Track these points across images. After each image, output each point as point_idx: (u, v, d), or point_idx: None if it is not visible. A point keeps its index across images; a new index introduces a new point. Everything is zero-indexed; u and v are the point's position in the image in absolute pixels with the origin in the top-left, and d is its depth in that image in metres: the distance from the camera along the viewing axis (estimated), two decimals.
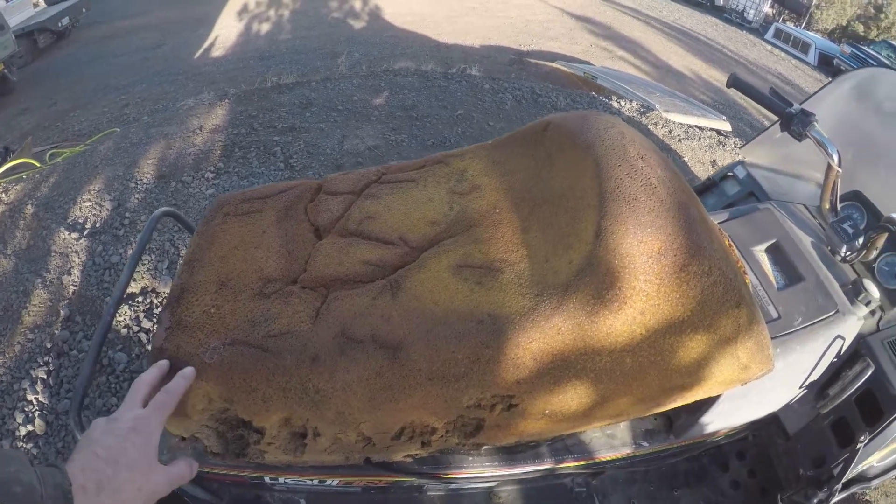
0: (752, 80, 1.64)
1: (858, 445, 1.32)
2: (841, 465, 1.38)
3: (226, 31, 10.04)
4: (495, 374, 0.94)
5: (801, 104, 1.68)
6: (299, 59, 7.81)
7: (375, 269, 1.10)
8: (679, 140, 4.91)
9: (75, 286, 3.01)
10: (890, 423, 1.36)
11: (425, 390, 0.95)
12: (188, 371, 0.90)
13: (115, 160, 4.00)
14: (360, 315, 0.99)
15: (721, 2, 18.50)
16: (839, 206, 1.54)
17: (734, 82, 1.70)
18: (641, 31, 11.67)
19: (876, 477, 1.60)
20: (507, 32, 9.91)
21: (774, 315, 1.33)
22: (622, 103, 5.46)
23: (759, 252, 1.50)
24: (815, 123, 1.45)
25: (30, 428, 2.42)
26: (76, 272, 3.10)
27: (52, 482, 0.59)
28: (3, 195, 3.89)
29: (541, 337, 0.94)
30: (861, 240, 1.46)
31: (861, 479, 1.58)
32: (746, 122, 7.84)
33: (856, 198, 1.59)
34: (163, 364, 0.91)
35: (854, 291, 1.38)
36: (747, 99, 1.71)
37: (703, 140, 5.07)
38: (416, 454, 1.09)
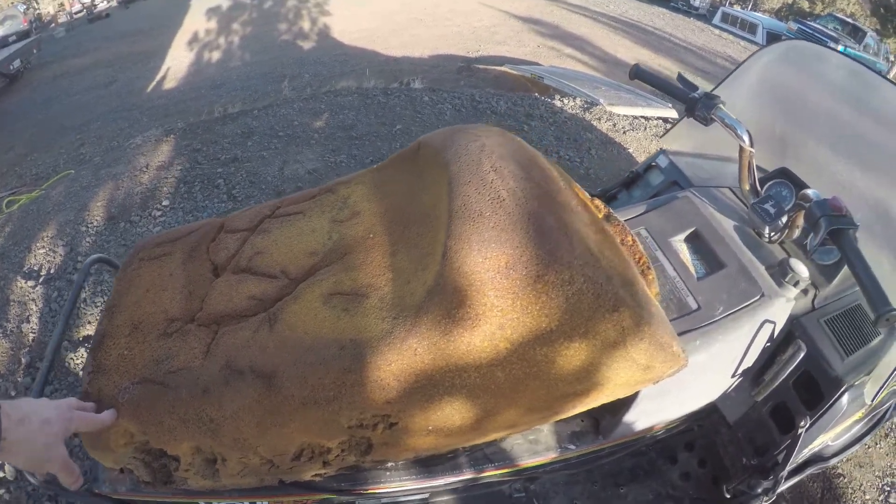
0: (653, 70, 1.62)
1: (799, 431, 1.25)
2: (784, 453, 1.31)
3: (177, 63, 10.10)
4: (363, 396, 0.96)
5: (714, 88, 1.74)
6: (249, 84, 7.93)
7: (258, 303, 1.14)
8: (624, 132, 5.06)
9: (34, 333, 3.10)
10: (831, 405, 1.31)
11: (302, 414, 0.99)
12: (107, 414, 1.00)
13: (66, 205, 4.08)
14: (241, 348, 1.05)
15: None
16: (764, 186, 1.52)
17: (636, 73, 1.74)
18: (588, 28, 11.92)
19: (835, 455, 1.57)
20: (455, 40, 10.08)
21: (694, 306, 1.31)
22: (566, 101, 5.61)
23: (678, 242, 1.49)
24: (720, 106, 1.45)
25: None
26: (34, 319, 3.19)
27: None
28: None
29: (399, 359, 0.95)
30: (784, 219, 1.41)
31: (818, 459, 1.55)
32: None
33: (783, 174, 1.54)
34: (89, 406, 1.02)
35: (781, 273, 1.32)
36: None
37: (648, 130, 5.24)
38: (324, 473, 1.13)
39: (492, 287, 0.95)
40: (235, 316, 1.13)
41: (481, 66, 8.68)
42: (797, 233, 1.43)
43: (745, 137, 1.40)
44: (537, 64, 8.66)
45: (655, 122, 5.57)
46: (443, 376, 0.96)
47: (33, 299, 3.29)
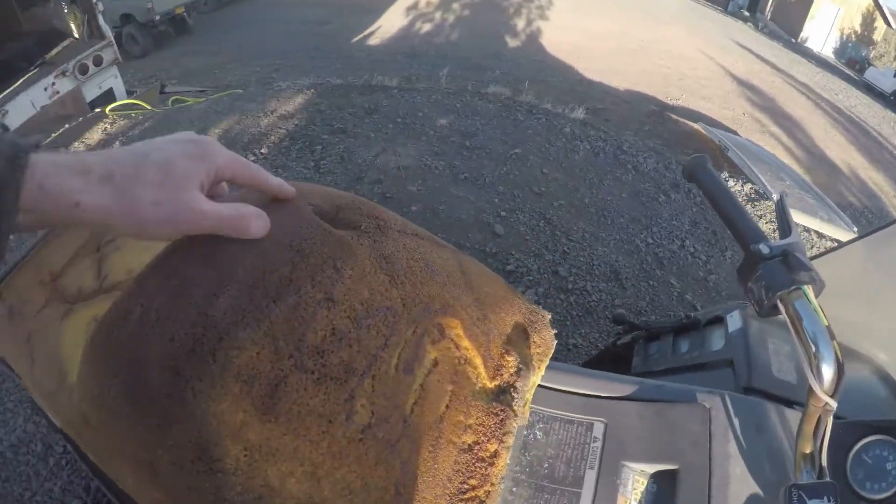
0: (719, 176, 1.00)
1: None
2: None
3: (389, 24, 10.53)
4: None
5: (826, 254, 1.26)
6: (442, 63, 7.95)
7: None
8: None
9: None
10: None
11: None
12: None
13: (194, 122, 4.34)
14: None
15: None
16: (852, 452, 0.91)
17: (694, 166, 1.04)
18: (805, 111, 10.43)
19: None
20: (658, 82, 9.35)
21: None
22: (732, 182, 4.92)
23: (637, 474, 0.97)
24: (804, 290, 0.83)
25: None
26: None
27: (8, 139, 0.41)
28: (109, 126, 4.37)
29: None
30: None
31: None
32: None
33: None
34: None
35: None
36: None
37: (814, 249, 4.37)
38: None
39: None
40: None
41: (674, 116, 7.99)
42: None
43: (829, 372, 0.78)
44: (734, 133, 7.75)
45: (830, 241, 4.67)
46: None
47: None
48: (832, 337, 0.79)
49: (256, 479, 0.66)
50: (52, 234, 1.36)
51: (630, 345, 1.79)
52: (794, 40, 17.61)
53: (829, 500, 0.77)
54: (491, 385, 1.00)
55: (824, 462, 0.83)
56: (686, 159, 1.06)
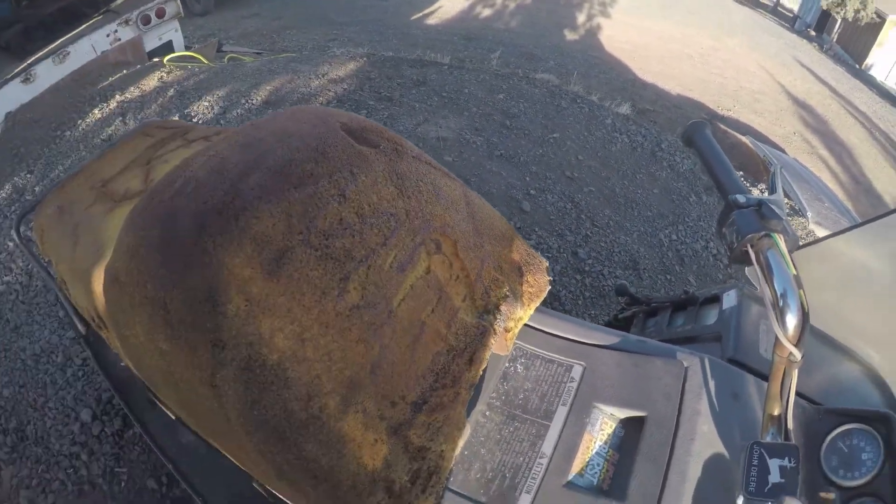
0: (713, 139, 1.09)
1: None
2: None
3: (450, 4, 10.59)
4: None
5: (841, 233, 1.22)
6: (496, 48, 7.96)
7: None
8: None
9: None
10: None
11: None
12: None
13: (249, 78, 4.51)
14: None
15: None
16: (829, 437, 0.93)
17: (692, 131, 1.12)
18: (859, 139, 10.07)
19: None
20: (713, 91, 9.22)
21: None
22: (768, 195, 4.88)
23: (608, 416, 1.04)
24: (776, 239, 0.88)
25: None
26: None
27: None
28: (165, 75, 4.59)
29: None
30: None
31: None
32: None
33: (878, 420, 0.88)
34: None
35: None
36: None
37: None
38: None
39: None
40: None
41: (722, 127, 7.89)
42: None
43: (793, 320, 0.81)
44: (782, 150, 7.64)
45: None
46: None
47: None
48: (799, 286, 0.82)
49: (250, 327, 0.81)
50: (109, 148, 1.53)
51: (630, 318, 1.87)
52: (858, 66, 16.98)
53: (791, 461, 0.79)
54: (477, 303, 1.13)
55: (790, 424, 0.84)
56: (686, 124, 1.13)
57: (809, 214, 4.88)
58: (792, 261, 0.85)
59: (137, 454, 1.99)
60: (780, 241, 0.87)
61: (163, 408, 1.32)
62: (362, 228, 0.96)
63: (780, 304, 0.81)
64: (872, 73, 17.02)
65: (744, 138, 7.49)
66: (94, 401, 2.11)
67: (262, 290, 0.82)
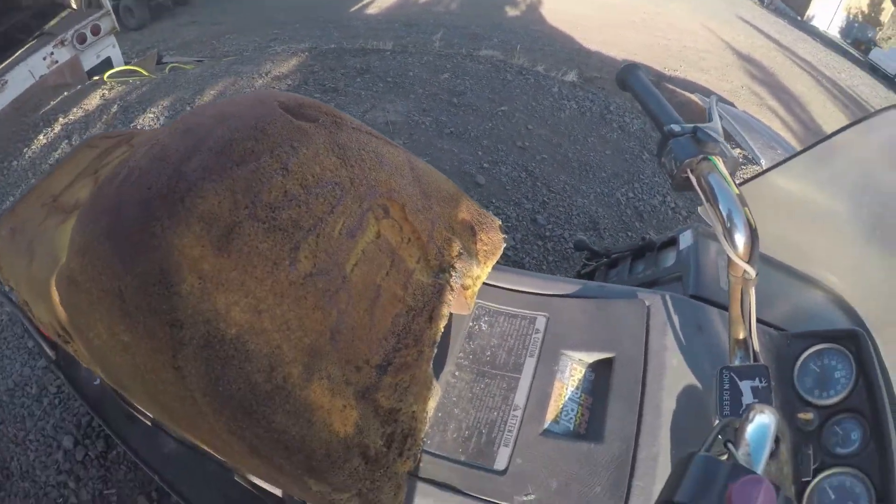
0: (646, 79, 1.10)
1: None
2: None
3: None
4: None
5: (779, 164, 1.22)
6: (435, 31, 7.98)
7: None
8: None
9: None
10: None
11: None
12: None
13: (191, 86, 4.44)
14: None
15: None
16: (801, 356, 0.95)
17: (624, 74, 1.12)
18: (806, 87, 10.28)
19: None
20: (658, 53, 9.31)
21: (498, 466, 0.91)
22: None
23: (576, 363, 1.03)
24: (715, 161, 0.88)
25: None
26: None
27: None
28: (107, 92, 4.49)
29: None
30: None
31: None
32: None
33: (848, 339, 0.92)
34: None
35: None
36: None
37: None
38: None
39: None
40: None
41: (670, 87, 7.99)
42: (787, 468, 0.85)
43: (741, 238, 0.81)
44: (731, 104, 7.77)
45: None
46: None
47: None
48: (744, 204, 0.83)
49: (206, 304, 0.80)
50: (57, 165, 1.52)
51: (592, 273, 1.88)
52: (799, 18, 17.37)
53: (761, 382, 0.80)
54: (432, 263, 1.13)
55: (756, 346, 0.86)
56: (618, 69, 1.14)
57: (763, 162, 4.97)
58: (733, 181, 0.86)
59: (124, 473, 1.95)
60: (719, 162, 0.88)
61: (139, 416, 1.33)
62: (308, 199, 0.96)
63: (728, 224, 0.82)
64: (814, 23, 17.42)
65: (692, 96, 7.60)
66: (73, 426, 2.07)
67: (213, 266, 0.83)
